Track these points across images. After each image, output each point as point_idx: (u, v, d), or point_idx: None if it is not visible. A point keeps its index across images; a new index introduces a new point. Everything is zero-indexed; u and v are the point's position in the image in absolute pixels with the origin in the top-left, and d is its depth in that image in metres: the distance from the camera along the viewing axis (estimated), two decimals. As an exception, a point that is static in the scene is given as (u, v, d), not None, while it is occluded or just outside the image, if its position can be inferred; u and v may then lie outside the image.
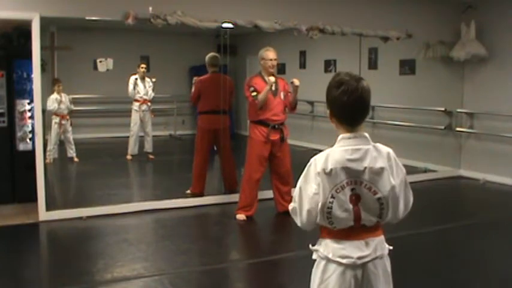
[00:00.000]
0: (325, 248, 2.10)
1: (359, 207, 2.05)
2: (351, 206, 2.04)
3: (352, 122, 2.08)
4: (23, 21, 5.61)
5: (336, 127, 2.12)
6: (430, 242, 5.17)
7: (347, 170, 2.03)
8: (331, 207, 2.03)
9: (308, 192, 2.06)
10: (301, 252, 4.45)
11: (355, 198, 2.05)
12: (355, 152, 2.05)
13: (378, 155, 2.07)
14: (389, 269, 2.15)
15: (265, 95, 5.59)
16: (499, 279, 4.22)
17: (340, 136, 2.09)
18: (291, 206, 2.18)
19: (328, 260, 2.08)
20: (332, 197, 2.03)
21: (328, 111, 2.12)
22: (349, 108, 2.05)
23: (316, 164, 2.06)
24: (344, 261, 2.05)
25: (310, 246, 2.18)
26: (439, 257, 4.68)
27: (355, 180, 2.04)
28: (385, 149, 2.11)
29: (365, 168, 2.04)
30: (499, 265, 4.57)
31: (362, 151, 2.05)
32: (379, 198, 2.06)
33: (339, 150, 2.06)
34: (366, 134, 2.09)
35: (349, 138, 2.07)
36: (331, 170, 2.02)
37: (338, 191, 2.03)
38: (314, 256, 2.17)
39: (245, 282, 4.48)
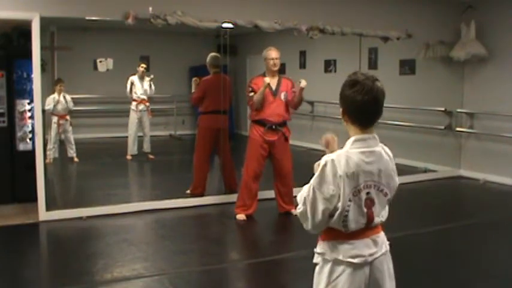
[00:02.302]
0: (333, 250, 2.08)
1: (373, 211, 2.06)
2: (365, 209, 2.05)
3: (365, 122, 2.06)
4: (23, 21, 5.60)
5: (347, 126, 2.10)
6: (430, 242, 5.16)
7: (364, 173, 2.03)
8: (348, 211, 2.02)
9: (325, 194, 2.01)
10: (301, 252, 4.44)
11: (370, 202, 2.05)
12: (370, 154, 2.05)
13: (388, 157, 2.10)
14: (391, 264, 2.17)
15: (260, 96, 5.59)
16: (499, 279, 4.22)
17: (354, 137, 2.07)
18: (299, 209, 2.11)
19: (336, 262, 2.06)
20: (349, 200, 2.02)
21: (340, 110, 2.10)
22: (363, 108, 2.03)
23: (335, 166, 2.01)
24: (356, 260, 2.04)
25: (315, 250, 2.16)
26: (439, 257, 4.68)
27: (369, 184, 2.04)
28: (388, 150, 2.14)
29: (379, 170, 2.05)
30: (499, 265, 4.57)
31: (376, 153, 2.06)
32: (388, 200, 2.11)
33: (356, 153, 2.03)
34: (376, 136, 2.09)
35: (363, 140, 2.06)
36: (353, 173, 2.01)
37: (355, 194, 2.02)
38: (316, 260, 2.15)
39: (245, 282, 4.47)
